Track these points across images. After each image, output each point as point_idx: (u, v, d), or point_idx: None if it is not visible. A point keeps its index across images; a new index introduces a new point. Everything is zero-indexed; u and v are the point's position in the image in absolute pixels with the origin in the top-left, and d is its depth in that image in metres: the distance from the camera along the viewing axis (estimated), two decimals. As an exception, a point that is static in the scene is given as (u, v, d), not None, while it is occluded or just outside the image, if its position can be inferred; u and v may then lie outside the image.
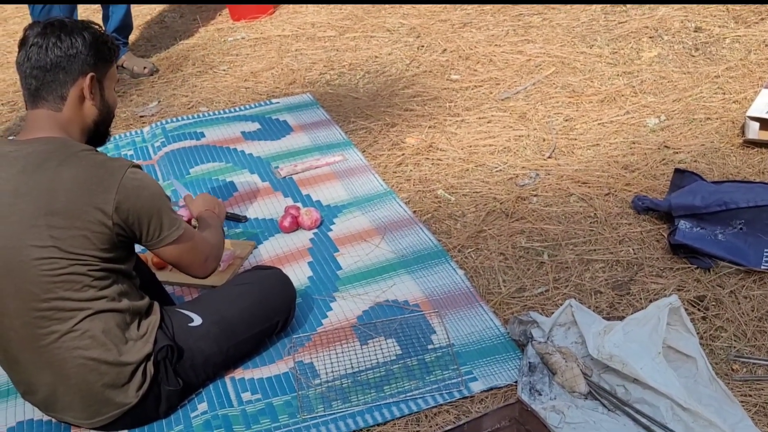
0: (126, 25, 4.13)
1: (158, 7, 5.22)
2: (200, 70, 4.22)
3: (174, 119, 3.69)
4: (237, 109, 3.77)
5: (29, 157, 1.92)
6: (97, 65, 2.02)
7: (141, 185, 1.97)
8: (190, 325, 2.17)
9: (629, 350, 2.07)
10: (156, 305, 2.15)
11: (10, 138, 2.07)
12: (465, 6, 4.66)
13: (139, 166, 2.02)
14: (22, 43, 1.99)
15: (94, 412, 2.03)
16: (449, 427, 1.85)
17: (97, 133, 2.10)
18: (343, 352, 2.32)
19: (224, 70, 4.20)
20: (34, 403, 2.11)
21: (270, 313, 2.30)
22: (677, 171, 2.73)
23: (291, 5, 4.94)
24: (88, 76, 2.00)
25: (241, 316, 2.23)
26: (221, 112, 3.75)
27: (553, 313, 2.37)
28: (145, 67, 4.18)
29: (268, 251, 2.78)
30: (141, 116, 3.82)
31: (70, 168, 1.91)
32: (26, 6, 4.03)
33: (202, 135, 3.53)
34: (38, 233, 1.88)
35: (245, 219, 2.95)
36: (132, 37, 4.43)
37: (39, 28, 1.98)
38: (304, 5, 4.92)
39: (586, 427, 1.93)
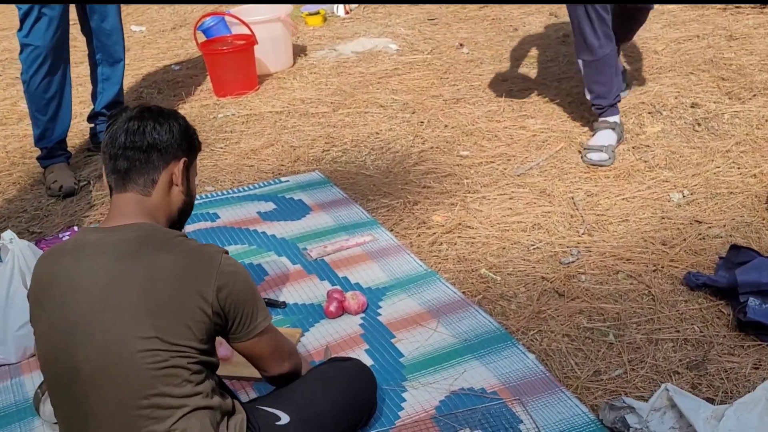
0: (118, 103, 3.96)
1: (131, 83, 5.06)
2: (196, 147, 4.06)
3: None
4: (246, 188, 3.63)
5: (121, 244, 1.80)
6: (188, 152, 1.98)
7: (236, 271, 1.89)
8: (278, 423, 2.01)
9: (744, 435, 2.01)
10: (238, 404, 1.99)
11: (93, 226, 1.92)
12: (454, 82, 4.67)
13: (227, 252, 1.92)
14: (112, 125, 1.90)
15: None
16: None
17: (179, 224, 2.01)
18: (429, 448, 2.19)
19: (221, 148, 4.06)
20: None
21: (357, 407, 2.16)
22: (733, 246, 2.74)
23: (276, 81, 4.86)
24: (181, 161, 1.94)
25: (329, 413, 2.08)
26: (229, 191, 3.61)
27: (636, 396, 2.31)
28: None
29: (317, 339, 2.64)
30: (142, 196, 3.63)
31: (168, 255, 1.80)
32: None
33: (216, 216, 3.38)
34: (140, 324, 1.74)
35: (284, 305, 2.80)
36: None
37: (133, 111, 1.92)
38: (289, 81, 4.85)
39: None
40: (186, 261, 1.81)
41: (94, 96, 4.00)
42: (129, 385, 1.74)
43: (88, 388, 1.76)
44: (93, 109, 4.03)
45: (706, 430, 2.04)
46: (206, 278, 1.80)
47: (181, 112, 4.42)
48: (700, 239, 3.02)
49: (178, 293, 1.77)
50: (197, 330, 1.79)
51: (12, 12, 6.89)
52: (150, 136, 1.89)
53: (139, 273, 1.77)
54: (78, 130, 4.30)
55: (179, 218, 2.00)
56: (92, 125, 4.08)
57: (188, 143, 1.98)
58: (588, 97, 3.81)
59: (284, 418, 2.02)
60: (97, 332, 1.74)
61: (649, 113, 4.04)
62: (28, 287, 1.92)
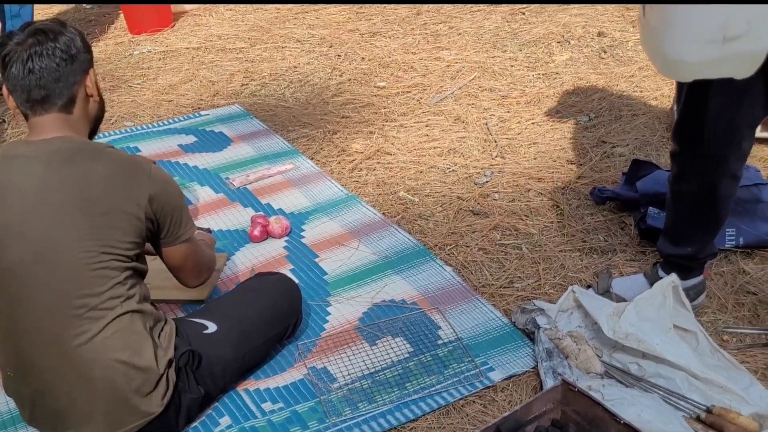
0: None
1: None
2: (113, 84, 4.04)
3: (100, 135, 3.51)
4: (166, 122, 3.65)
5: (53, 153, 1.85)
6: (89, 56, 1.97)
7: (167, 180, 2.00)
8: (205, 332, 2.10)
9: (643, 328, 2.18)
10: (167, 316, 2.08)
11: (18, 140, 1.97)
12: (370, 17, 4.72)
13: (155, 162, 2.03)
14: (9, 57, 1.86)
15: (115, 423, 1.90)
16: (507, 414, 1.89)
17: (95, 129, 2.06)
18: (354, 355, 2.31)
19: (139, 84, 4.04)
20: (41, 422, 1.97)
21: (282, 317, 2.27)
22: (635, 162, 2.91)
23: (192, 18, 4.83)
24: (91, 72, 1.96)
25: (255, 321, 2.19)
26: (149, 126, 3.62)
27: (547, 301, 2.46)
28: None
29: (243, 262, 2.71)
30: (59, 133, 3.61)
31: (101, 163, 1.87)
32: None
33: (137, 150, 3.39)
34: (75, 224, 1.81)
35: (209, 231, 2.85)
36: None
37: (23, 36, 1.87)
38: (205, 17, 4.83)
39: (623, 403, 2.01)
40: (119, 168, 1.88)
41: (2, 33, 3.91)
42: (63, 284, 1.80)
43: (22, 287, 1.81)
44: (3, 47, 3.94)
45: (609, 325, 2.21)
46: (139, 184, 1.89)
47: (95, 50, 4.42)
48: (606, 158, 3.19)
49: (113, 197, 1.85)
50: (130, 232, 1.87)
51: None
52: (56, 57, 1.87)
53: (74, 178, 1.82)
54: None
55: (96, 124, 2.05)
56: (3, 64, 4.00)
57: (87, 48, 1.97)
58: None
59: (211, 327, 2.11)
60: (31, 232, 1.80)
61: (558, 42, 4.18)
62: None
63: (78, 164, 1.84)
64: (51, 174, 1.82)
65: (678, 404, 2.09)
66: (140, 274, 1.97)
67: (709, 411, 2.05)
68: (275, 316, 2.24)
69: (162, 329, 1.99)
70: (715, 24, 1.82)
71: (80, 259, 1.80)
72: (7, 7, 3.83)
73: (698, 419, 2.05)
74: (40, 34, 1.88)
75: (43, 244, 1.80)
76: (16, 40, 1.87)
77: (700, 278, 2.39)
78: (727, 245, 2.61)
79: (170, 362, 1.96)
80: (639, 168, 2.87)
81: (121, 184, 1.87)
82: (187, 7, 4.96)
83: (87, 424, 1.91)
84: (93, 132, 2.05)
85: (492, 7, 4.72)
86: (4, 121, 3.72)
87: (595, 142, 3.30)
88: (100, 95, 2.04)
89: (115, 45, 4.54)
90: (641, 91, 3.64)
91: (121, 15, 4.78)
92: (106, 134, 3.52)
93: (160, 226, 1.98)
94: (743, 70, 1.91)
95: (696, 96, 2.07)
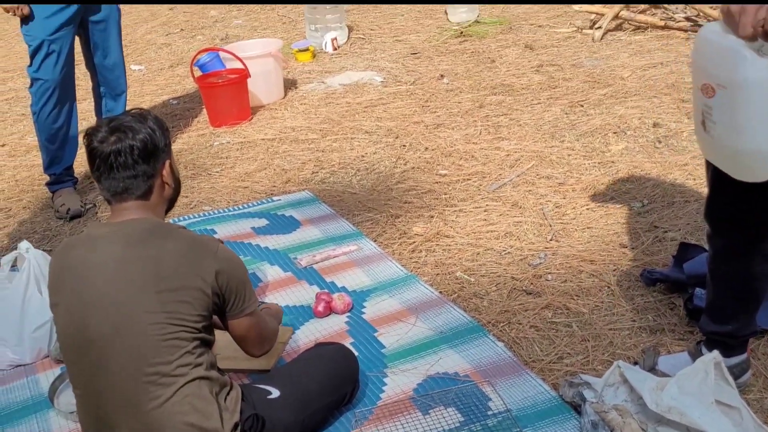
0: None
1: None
2: (193, 172, 4.36)
3: (181, 218, 3.80)
4: (240, 207, 3.91)
5: (131, 234, 2.08)
6: (167, 146, 2.18)
7: (232, 257, 2.19)
8: (269, 397, 2.27)
9: (685, 402, 2.26)
10: (234, 382, 2.25)
11: (101, 222, 2.21)
12: (435, 109, 4.98)
13: (222, 242, 2.23)
14: (95, 155, 2.10)
15: None
16: (547, 476, 1.99)
17: (171, 206, 2.30)
18: (407, 422, 2.44)
19: (218, 172, 4.35)
20: None
21: (340, 384, 2.42)
22: (682, 245, 3.02)
23: (268, 111, 5.17)
24: (167, 165, 2.18)
25: (315, 388, 2.35)
26: (226, 210, 3.89)
27: (595, 376, 2.56)
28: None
29: (307, 335, 2.90)
30: (144, 217, 3.91)
31: (172, 242, 2.08)
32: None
33: (213, 232, 3.65)
34: (148, 299, 2.02)
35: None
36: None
37: (105, 132, 2.09)
38: (281, 111, 5.16)
39: (662, 472, 2.10)
40: (188, 247, 2.10)
41: (98, 113, 4.27)
42: (137, 354, 2.01)
43: (102, 356, 2.03)
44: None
45: (652, 398, 2.30)
46: (206, 261, 2.09)
47: (180, 141, 4.78)
48: (657, 242, 3.30)
49: (182, 274, 2.05)
50: (198, 307, 2.07)
51: (16, 55, 7.24)
52: (134, 155, 2.07)
53: (147, 257, 2.05)
54: (84, 159, 4.58)
55: (171, 204, 2.28)
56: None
57: (165, 139, 2.16)
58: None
59: (275, 393, 2.29)
60: (110, 308, 2.02)
61: (614, 133, 4.34)
62: (48, 279, 2.18)
63: (152, 244, 2.06)
64: (128, 253, 2.05)
65: (720, 477, 2.15)
66: (208, 344, 2.15)
67: (750, 484, 2.11)
68: (333, 384, 2.41)
69: (228, 394, 2.17)
70: None
71: (151, 330, 2.00)
72: (103, 101, 4.21)
73: (739, 491, 2.11)
74: (120, 132, 2.09)
75: (120, 317, 2.01)
76: (100, 138, 2.09)
77: (743, 356, 2.47)
78: (775, 326, 2.68)
79: (236, 425, 2.13)
80: (687, 251, 2.98)
81: (189, 262, 2.07)
82: (264, 101, 5.30)
83: None
84: (169, 209, 2.27)
85: (552, 99, 4.93)
86: (94, 205, 4.04)
87: (648, 226, 3.42)
88: (176, 180, 2.25)
89: (197, 137, 4.88)
90: (694, 179, 3.76)
91: (204, 109, 5.15)
92: (186, 217, 3.80)
93: (226, 300, 2.17)
94: None
95: (720, 180, 2.21)
